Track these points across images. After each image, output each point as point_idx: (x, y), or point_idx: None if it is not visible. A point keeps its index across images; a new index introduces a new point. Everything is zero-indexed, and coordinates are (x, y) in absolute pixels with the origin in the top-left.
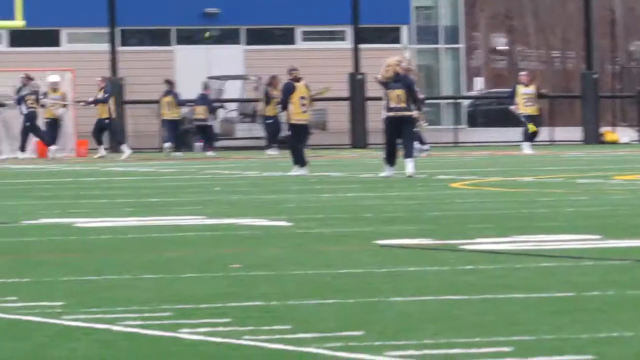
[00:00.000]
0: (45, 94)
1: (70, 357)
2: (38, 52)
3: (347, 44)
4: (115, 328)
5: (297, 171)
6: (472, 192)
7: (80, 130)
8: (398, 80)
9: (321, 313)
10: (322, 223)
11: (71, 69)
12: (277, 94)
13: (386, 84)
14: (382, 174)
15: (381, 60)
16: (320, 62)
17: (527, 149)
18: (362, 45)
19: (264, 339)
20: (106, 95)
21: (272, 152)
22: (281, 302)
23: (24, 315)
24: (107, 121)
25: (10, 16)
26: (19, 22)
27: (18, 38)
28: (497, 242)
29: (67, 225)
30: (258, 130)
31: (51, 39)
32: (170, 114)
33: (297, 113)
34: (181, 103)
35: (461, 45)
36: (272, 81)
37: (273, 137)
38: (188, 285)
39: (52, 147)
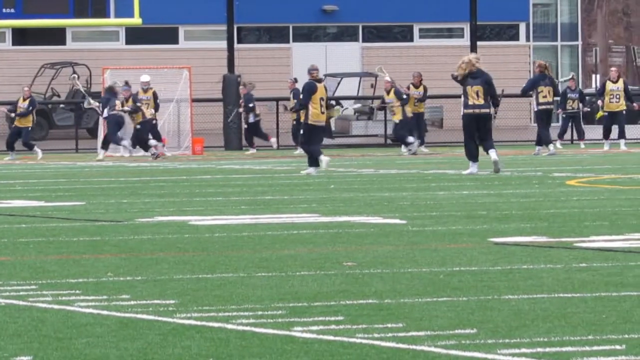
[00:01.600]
0: (136, 94)
1: (183, 356)
2: (155, 50)
3: (465, 41)
4: (228, 326)
5: (307, 170)
6: (588, 190)
7: (196, 128)
8: (476, 76)
9: (434, 311)
10: (436, 221)
11: (188, 66)
12: (418, 91)
13: (464, 80)
14: (467, 172)
15: (499, 57)
16: (437, 59)
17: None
18: (480, 43)
19: (377, 337)
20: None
21: (424, 149)
22: (394, 299)
23: (138, 313)
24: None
25: (127, 14)
26: (136, 20)
27: (134, 35)
28: (611, 240)
29: (182, 224)
30: (374, 128)
31: (168, 37)
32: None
33: (316, 114)
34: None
35: (579, 43)
36: (414, 79)
37: (414, 134)
38: (302, 283)
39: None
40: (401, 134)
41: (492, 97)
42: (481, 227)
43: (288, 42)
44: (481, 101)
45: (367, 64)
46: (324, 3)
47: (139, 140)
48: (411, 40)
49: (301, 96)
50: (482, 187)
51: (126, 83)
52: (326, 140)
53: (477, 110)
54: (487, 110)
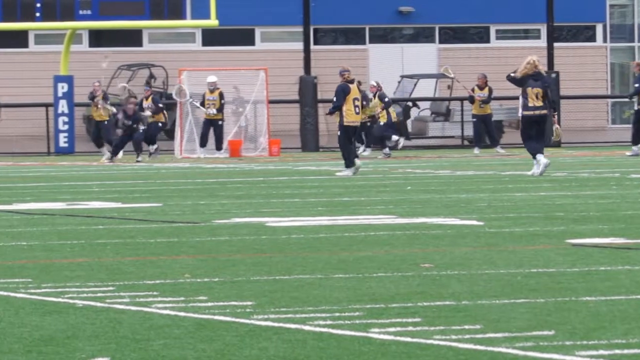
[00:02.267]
0: (203, 95)
1: (260, 357)
2: (231, 51)
3: (542, 42)
4: (305, 328)
5: (343, 172)
6: None
7: (272, 129)
8: (537, 78)
9: (512, 312)
10: (513, 222)
11: (264, 67)
12: (482, 93)
13: (524, 81)
14: (531, 172)
15: (575, 58)
16: (514, 60)
17: None
18: (556, 44)
19: (455, 339)
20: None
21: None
22: (472, 301)
23: (215, 315)
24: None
25: (204, 15)
26: (212, 21)
27: (211, 37)
28: None
29: (259, 225)
30: (451, 129)
31: (245, 38)
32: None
33: (350, 115)
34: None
35: None
36: (479, 81)
37: (477, 136)
38: (379, 284)
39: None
40: (385, 134)
41: (549, 100)
42: (558, 228)
43: (364, 43)
44: (540, 103)
45: (443, 65)
46: (400, 4)
47: (149, 137)
48: (488, 41)
49: (334, 98)
50: (560, 188)
51: (147, 83)
52: (404, 142)
53: (537, 112)
54: (546, 112)
